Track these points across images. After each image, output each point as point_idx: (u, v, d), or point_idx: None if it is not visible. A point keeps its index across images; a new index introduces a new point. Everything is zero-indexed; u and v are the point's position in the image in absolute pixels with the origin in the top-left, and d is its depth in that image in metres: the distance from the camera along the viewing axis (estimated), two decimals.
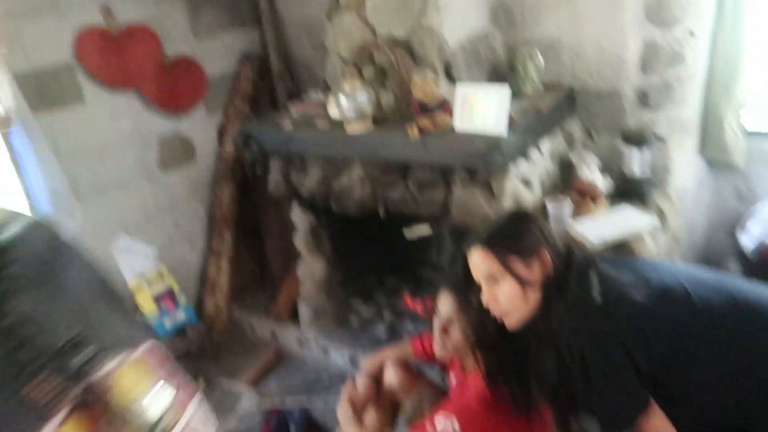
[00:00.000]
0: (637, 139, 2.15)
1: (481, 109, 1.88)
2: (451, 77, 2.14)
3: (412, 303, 2.63)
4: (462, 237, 2.11)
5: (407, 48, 2.12)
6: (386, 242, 2.71)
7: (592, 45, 2.24)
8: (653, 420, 1.23)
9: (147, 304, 2.44)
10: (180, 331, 2.57)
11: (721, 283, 1.32)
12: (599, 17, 2.19)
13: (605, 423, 1.28)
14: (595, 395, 1.25)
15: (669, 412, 1.24)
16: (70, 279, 0.47)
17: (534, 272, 1.30)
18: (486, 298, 1.32)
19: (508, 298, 1.30)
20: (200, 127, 2.67)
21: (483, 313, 1.39)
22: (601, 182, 2.17)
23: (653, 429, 1.23)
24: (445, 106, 1.98)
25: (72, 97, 2.32)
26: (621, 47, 2.18)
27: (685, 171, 2.37)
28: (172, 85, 2.62)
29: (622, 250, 1.95)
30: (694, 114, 2.38)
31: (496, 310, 1.33)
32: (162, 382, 0.46)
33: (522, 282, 1.28)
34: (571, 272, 1.29)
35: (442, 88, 2.05)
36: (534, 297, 1.30)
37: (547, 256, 1.30)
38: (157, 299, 2.48)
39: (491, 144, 1.81)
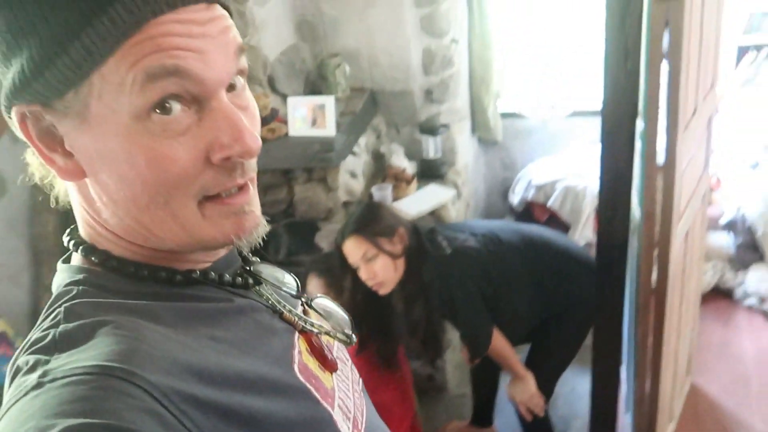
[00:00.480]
0: (429, 128, 2.68)
1: (312, 116, 2.19)
2: (275, 89, 2.41)
3: None
4: (298, 229, 2.42)
5: None
6: None
7: (384, 53, 2.68)
8: (497, 337, 1.73)
9: None
10: None
11: (512, 226, 1.89)
12: (387, 30, 2.63)
13: (473, 346, 1.74)
14: (462, 326, 1.70)
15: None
16: None
17: (397, 246, 1.69)
18: (365, 275, 1.67)
19: (383, 270, 1.66)
20: (8, 158, 2.48)
21: (355, 289, 1.74)
22: (409, 167, 2.65)
23: (499, 344, 1.73)
24: (277, 116, 2.25)
25: None
26: (406, 54, 2.67)
27: (465, 150, 2.99)
28: None
29: (434, 217, 2.45)
30: (466, 104, 3.00)
31: (374, 283, 1.68)
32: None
33: (392, 255, 1.66)
34: (421, 236, 1.71)
35: (271, 99, 2.30)
36: (401, 264, 1.69)
37: (402, 231, 1.70)
38: None
39: (325, 145, 2.13)
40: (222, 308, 0.54)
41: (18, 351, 0.45)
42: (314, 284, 1.93)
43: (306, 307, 0.66)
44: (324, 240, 2.40)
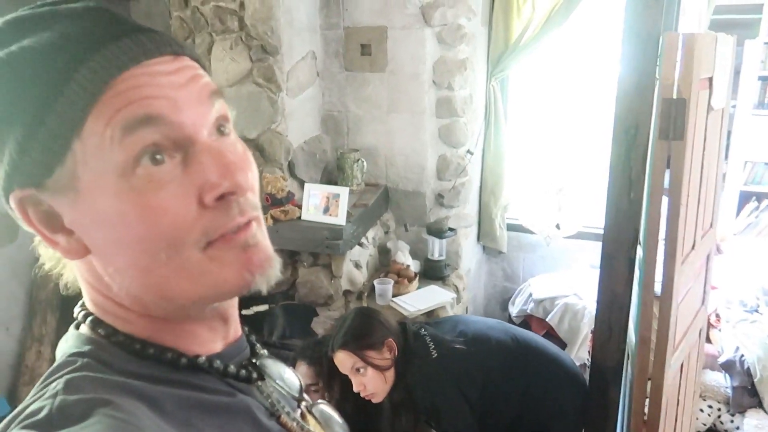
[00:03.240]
0: (436, 230, 2.75)
1: (325, 204, 2.27)
2: (294, 174, 2.52)
3: None
4: (296, 312, 2.43)
5: (258, 147, 2.44)
6: None
7: (401, 155, 2.82)
8: None
9: None
10: None
11: (505, 326, 1.89)
12: (406, 135, 2.79)
13: None
14: None
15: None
16: None
17: (385, 357, 1.71)
18: (356, 387, 1.68)
19: (372, 382, 1.68)
20: None
21: (344, 397, 1.75)
22: (413, 265, 2.69)
23: None
24: (292, 200, 2.34)
25: None
26: (423, 159, 2.80)
27: (469, 256, 3.04)
28: None
29: (430, 316, 2.45)
30: (474, 211, 3.09)
31: (365, 394, 1.69)
32: None
33: (380, 368, 1.67)
34: (410, 339, 1.72)
35: (288, 183, 2.41)
36: (390, 375, 1.71)
37: (392, 341, 1.72)
38: None
39: (335, 233, 2.19)
40: (223, 403, 0.53)
41: (10, 418, 0.44)
42: (302, 371, 1.91)
43: (305, 410, 0.64)
44: (320, 326, 2.40)
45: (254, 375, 0.58)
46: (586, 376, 1.90)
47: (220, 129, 0.50)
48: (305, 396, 0.65)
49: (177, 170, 0.46)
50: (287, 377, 0.62)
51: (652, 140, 1.50)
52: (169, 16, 2.55)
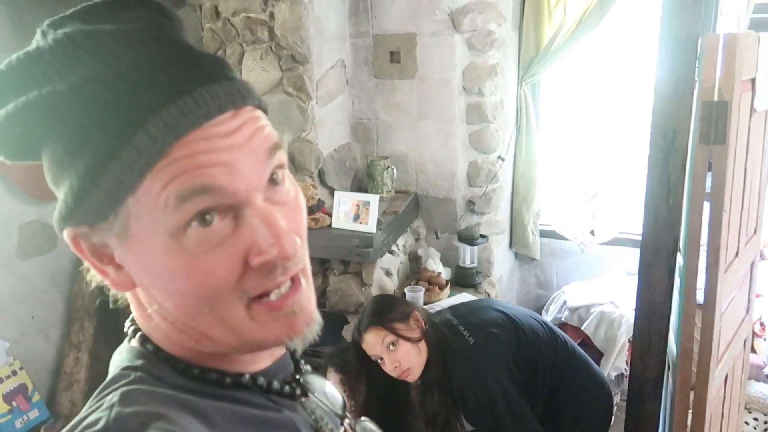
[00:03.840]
0: (467, 237, 2.72)
1: (356, 212, 2.27)
2: (324, 182, 2.52)
3: None
4: (326, 320, 2.42)
5: (288, 155, 2.45)
6: None
7: (431, 162, 2.80)
8: None
9: None
10: None
11: (530, 313, 1.86)
12: (437, 142, 2.77)
13: None
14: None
15: None
16: None
17: (414, 330, 1.68)
18: (389, 365, 1.65)
19: (406, 356, 1.64)
20: None
21: (370, 392, 1.73)
22: (444, 272, 2.67)
23: None
24: (323, 208, 2.34)
25: None
26: (453, 165, 2.78)
27: (501, 262, 3.00)
28: (40, 170, 2.57)
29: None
30: (506, 218, 3.05)
31: (400, 372, 1.66)
32: None
33: (411, 340, 1.64)
34: (440, 328, 1.70)
35: (318, 191, 2.41)
36: (423, 346, 1.67)
37: (417, 314, 1.71)
38: (8, 397, 2.30)
39: (365, 241, 2.19)
40: (270, 418, 0.53)
41: (68, 429, 0.45)
42: (331, 378, 1.91)
43: (349, 428, 0.64)
44: (350, 334, 2.40)
45: (298, 391, 0.58)
46: (625, 386, 1.85)
47: (273, 178, 0.49)
48: (348, 414, 0.65)
49: (227, 229, 0.46)
50: (331, 394, 0.62)
51: (691, 145, 1.45)
52: (200, 29, 2.60)
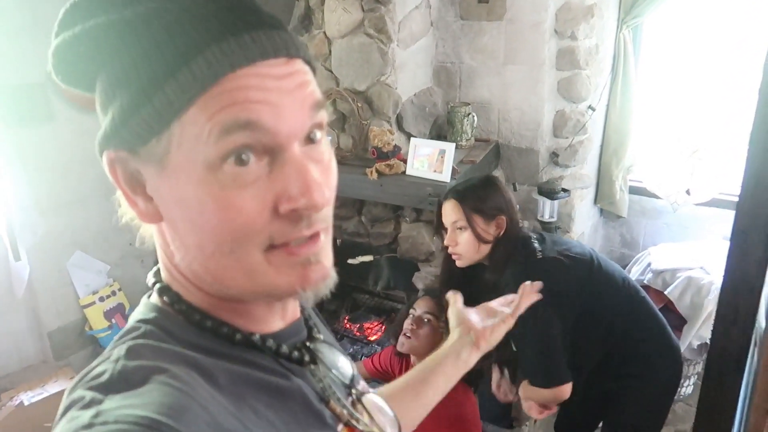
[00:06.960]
0: (548, 191, 2.60)
1: (431, 160, 2.23)
2: (401, 127, 2.49)
3: (349, 325, 2.90)
4: (399, 265, 2.42)
5: (366, 99, 2.44)
6: None
7: (516, 110, 2.68)
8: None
9: (98, 320, 2.51)
10: None
11: (617, 266, 1.78)
12: (523, 88, 2.63)
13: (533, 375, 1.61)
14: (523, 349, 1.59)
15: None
16: None
17: (489, 231, 1.64)
18: (448, 239, 1.67)
19: (464, 244, 1.64)
20: None
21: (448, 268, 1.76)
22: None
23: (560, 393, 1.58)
24: (398, 154, 2.32)
25: (43, 115, 2.39)
26: (539, 114, 2.64)
27: (584, 218, 2.87)
28: None
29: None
30: (592, 172, 2.89)
31: (452, 250, 1.67)
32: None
33: (478, 237, 1.63)
34: (518, 239, 1.65)
35: (395, 136, 2.39)
36: (485, 249, 1.65)
37: (503, 221, 1.65)
38: (108, 315, 2.55)
39: (438, 189, 2.16)
40: (276, 382, 0.54)
41: (78, 378, 0.47)
42: (425, 301, 1.96)
43: (356, 399, 0.64)
44: (420, 281, 2.41)
45: (306, 358, 0.58)
46: (705, 356, 1.74)
47: (310, 136, 0.50)
48: (357, 385, 0.65)
49: (261, 172, 0.47)
50: (341, 364, 0.63)
51: None
52: None
